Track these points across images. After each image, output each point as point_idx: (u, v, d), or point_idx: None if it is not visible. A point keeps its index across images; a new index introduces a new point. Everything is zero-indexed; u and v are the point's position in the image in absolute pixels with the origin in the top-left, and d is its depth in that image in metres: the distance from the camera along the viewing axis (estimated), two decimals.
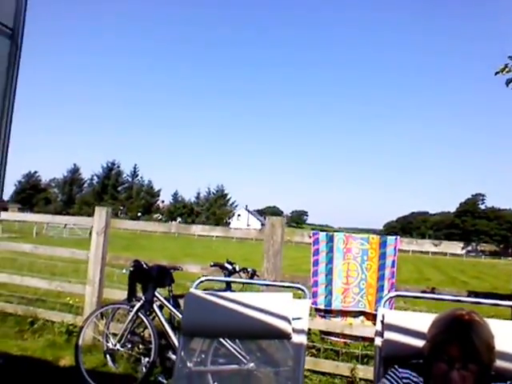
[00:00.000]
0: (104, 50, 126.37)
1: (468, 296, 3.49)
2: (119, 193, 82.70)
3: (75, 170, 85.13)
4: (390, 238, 3.84)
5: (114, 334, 3.97)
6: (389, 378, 1.61)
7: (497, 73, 2.70)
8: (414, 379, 1.57)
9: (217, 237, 24.32)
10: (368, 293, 3.82)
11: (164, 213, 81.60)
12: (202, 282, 2.37)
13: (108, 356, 4.04)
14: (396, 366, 1.63)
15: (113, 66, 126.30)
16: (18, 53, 1.66)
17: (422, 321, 1.71)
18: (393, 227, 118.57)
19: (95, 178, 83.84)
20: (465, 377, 1.44)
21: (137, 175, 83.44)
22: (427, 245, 3.99)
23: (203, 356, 2.94)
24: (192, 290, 2.28)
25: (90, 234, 5.17)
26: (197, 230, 4.68)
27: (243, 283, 3.84)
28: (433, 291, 3.72)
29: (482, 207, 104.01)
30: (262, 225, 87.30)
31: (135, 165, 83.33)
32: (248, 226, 79.95)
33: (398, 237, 3.87)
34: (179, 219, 78.63)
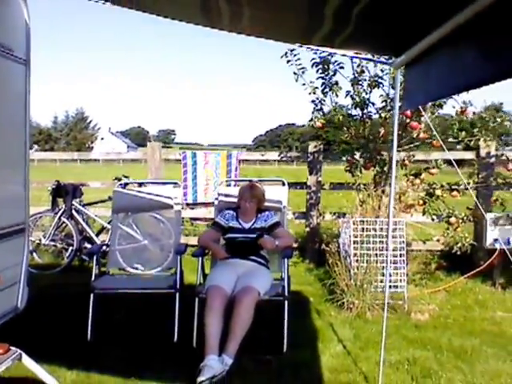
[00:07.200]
0: None
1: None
2: None
3: None
4: (234, 152, 6.08)
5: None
6: (221, 214, 3.82)
7: (282, 56, 4.36)
8: (231, 212, 3.78)
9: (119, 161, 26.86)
10: None
11: None
12: (126, 183, 4.36)
13: (34, 253, 5.79)
14: (224, 209, 3.86)
15: None
16: (29, 72, 2.65)
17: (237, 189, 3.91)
18: (262, 141, 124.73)
19: None
20: (252, 206, 3.69)
21: None
22: (257, 155, 6.35)
23: (111, 240, 4.72)
24: (115, 188, 4.24)
25: None
26: (95, 155, 6.40)
27: (148, 183, 5.47)
28: None
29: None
30: (128, 147, 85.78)
31: None
32: (113, 148, 78.06)
33: (239, 151, 6.12)
34: (36, 147, 73.73)
